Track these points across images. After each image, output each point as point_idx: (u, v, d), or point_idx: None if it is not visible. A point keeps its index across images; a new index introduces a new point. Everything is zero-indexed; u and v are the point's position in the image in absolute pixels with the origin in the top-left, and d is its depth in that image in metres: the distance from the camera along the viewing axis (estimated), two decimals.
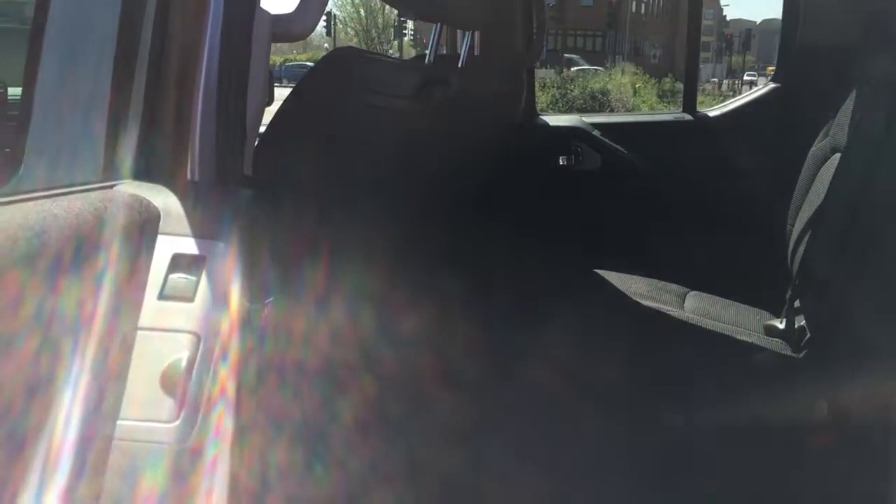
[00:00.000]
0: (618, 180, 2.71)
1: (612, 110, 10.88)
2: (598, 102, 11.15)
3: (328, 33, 37.31)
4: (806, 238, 1.91)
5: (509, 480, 1.68)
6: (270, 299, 0.97)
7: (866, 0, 2.17)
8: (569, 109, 10.72)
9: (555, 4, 29.33)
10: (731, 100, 2.87)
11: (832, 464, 1.41)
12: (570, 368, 1.90)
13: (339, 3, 37.53)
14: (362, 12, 42.29)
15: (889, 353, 0.95)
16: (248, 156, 1.11)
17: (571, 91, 11.53)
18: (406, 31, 30.74)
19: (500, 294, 2.10)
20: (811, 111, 2.18)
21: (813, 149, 2.11)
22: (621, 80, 12.34)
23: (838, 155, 1.86)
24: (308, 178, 1.22)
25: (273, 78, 2.79)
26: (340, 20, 37.25)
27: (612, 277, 2.30)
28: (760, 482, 1.49)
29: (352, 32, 41.45)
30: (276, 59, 25.19)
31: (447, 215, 1.79)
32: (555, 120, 2.82)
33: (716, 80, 35.36)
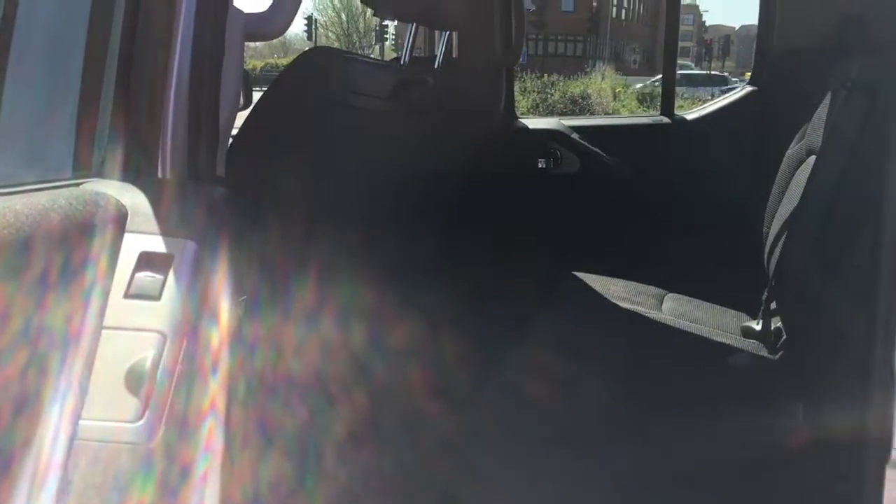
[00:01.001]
0: (596, 183, 2.72)
1: (591, 114, 10.96)
2: (578, 107, 11.20)
3: (309, 37, 37.23)
4: (782, 240, 1.91)
5: (489, 486, 1.67)
6: (243, 298, 0.96)
7: (841, 4, 2.19)
8: (549, 113, 10.78)
9: (536, 10, 29.43)
10: (709, 103, 2.88)
11: (806, 466, 1.41)
12: (548, 371, 1.90)
13: (321, 7, 37.47)
14: (343, 16, 42.25)
15: (862, 356, 0.95)
16: (222, 156, 1.10)
17: (552, 95, 11.57)
18: (388, 36, 30.74)
19: (478, 296, 2.10)
20: (787, 114, 2.19)
21: (789, 151, 2.13)
22: (601, 84, 12.41)
23: (814, 157, 1.88)
24: (282, 178, 1.21)
25: (251, 81, 2.77)
26: (322, 24, 37.20)
27: (591, 280, 2.31)
28: (737, 485, 1.49)
29: (333, 36, 41.38)
30: (256, 63, 25.12)
31: (425, 216, 1.78)
32: (534, 123, 2.83)
33: None
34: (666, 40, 2.79)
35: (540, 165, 2.71)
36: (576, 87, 12.01)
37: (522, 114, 10.54)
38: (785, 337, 1.83)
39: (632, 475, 1.65)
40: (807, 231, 1.72)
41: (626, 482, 1.61)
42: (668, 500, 1.53)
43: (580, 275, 2.34)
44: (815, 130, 1.94)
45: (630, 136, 2.82)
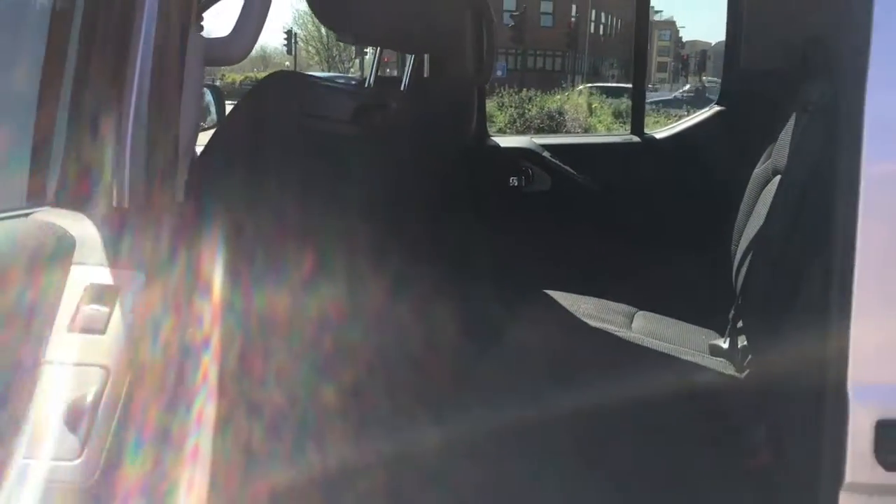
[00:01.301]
0: (567, 201, 2.73)
1: (568, 130, 11.02)
2: (555, 122, 11.27)
3: (289, 51, 37.18)
4: (748, 258, 1.93)
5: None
6: (191, 330, 0.94)
7: (805, 26, 2.23)
8: (526, 128, 10.84)
9: (514, 25, 29.63)
10: (678, 122, 2.91)
11: (765, 488, 1.42)
12: (516, 389, 1.90)
13: (301, 21, 37.46)
14: (323, 30, 42.18)
15: (816, 379, 0.97)
16: (181, 182, 1.09)
17: (529, 111, 11.64)
18: (367, 51, 30.80)
19: (448, 314, 2.09)
20: (754, 133, 2.22)
21: (756, 170, 2.15)
22: (578, 100, 12.50)
23: (779, 177, 1.90)
24: (243, 202, 1.20)
25: (224, 97, 2.76)
26: (302, 38, 37.18)
27: (561, 298, 2.31)
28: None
29: (313, 51, 41.35)
30: (235, 77, 25.02)
31: (394, 237, 1.78)
32: (505, 141, 2.84)
33: None
34: (635, 62, 2.82)
35: (511, 183, 2.72)
36: (553, 103, 12.08)
37: (500, 129, 10.61)
38: (751, 356, 1.85)
39: (598, 493, 1.66)
40: (770, 250, 1.74)
41: (589, 499, 1.61)
42: None
43: (550, 293, 2.35)
44: (780, 150, 1.96)
45: (600, 154, 2.85)
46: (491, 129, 3.02)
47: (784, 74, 2.24)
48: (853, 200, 0.91)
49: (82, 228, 0.91)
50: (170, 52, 1.03)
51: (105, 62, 0.99)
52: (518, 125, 10.92)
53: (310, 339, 1.39)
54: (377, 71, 1.83)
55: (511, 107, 11.71)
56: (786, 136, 1.94)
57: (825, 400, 0.96)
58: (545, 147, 2.77)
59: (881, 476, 0.92)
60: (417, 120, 1.90)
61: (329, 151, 1.46)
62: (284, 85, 1.49)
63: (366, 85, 1.81)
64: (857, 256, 0.91)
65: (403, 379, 1.84)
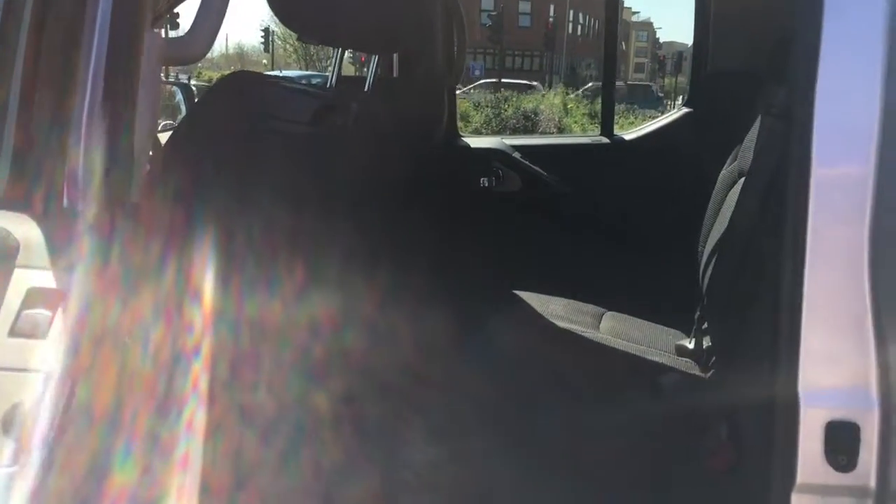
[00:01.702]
0: (537, 201, 2.74)
1: (543, 130, 11.06)
2: (531, 122, 11.31)
3: (266, 49, 36.91)
4: (713, 260, 1.95)
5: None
6: (127, 339, 0.92)
7: (770, 31, 2.24)
8: (502, 128, 10.86)
9: (492, 25, 29.64)
10: (646, 123, 2.93)
11: (724, 488, 1.43)
12: (484, 390, 1.90)
13: (277, 19, 37.13)
14: None
15: (771, 378, 0.97)
16: (137, 182, 1.08)
17: (505, 111, 11.67)
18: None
19: (416, 314, 2.09)
20: (722, 135, 2.23)
21: (723, 172, 2.17)
22: (553, 100, 12.55)
23: (744, 179, 1.91)
24: (201, 205, 1.19)
25: (194, 95, 2.73)
26: (279, 36, 36.91)
27: (530, 298, 2.32)
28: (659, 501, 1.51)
29: (290, 49, 41.10)
30: (212, 74, 24.82)
31: (358, 237, 1.77)
32: (476, 142, 2.84)
33: None
34: (605, 64, 2.84)
35: (482, 184, 2.72)
36: (528, 103, 12.13)
37: (476, 129, 10.62)
38: (715, 357, 1.86)
39: (561, 492, 1.66)
40: (733, 252, 1.75)
41: (555, 500, 1.61)
42: None
43: (519, 293, 2.35)
44: (746, 152, 1.98)
45: (570, 155, 2.86)
46: (467, 129, 3.02)
47: (751, 77, 2.26)
48: (804, 203, 0.92)
49: (27, 231, 0.89)
50: (124, 51, 1.02)
51: (56, 60, 0.97)
52: (494, 125, 10.94)
53: (272, 339, 1.38)
54: (339, 71, 1.82)
55: (487, 107, 11.74)
56: (751, 137, 1.96)
57: (777, 401, 0.97)
58: (515, 148, 2.78)
59: (832, 477, 0.93)
60: (383, 120, 1.89)
61: (287, 154, 1.45)
62: (240, 86, 1.47)
63: (328, 86, 1.80)
64: (807, 260, 0.92)
65: (367, 377, 1.84)
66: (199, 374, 1.03)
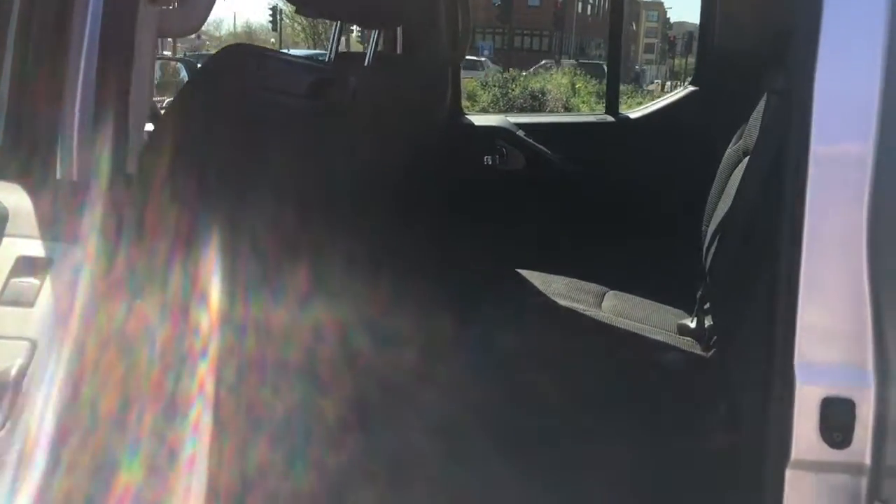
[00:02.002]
0: (541, 180, 2.73)
1: (551, 110, 10.98)
2: (538, 102, 11.25)
3: (274, 28, 36.75)
4: (717, 239, 1.94)
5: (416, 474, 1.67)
6: (138, 301, 0.93)
7: (776, 11, 2.22)
8: (509, 108, 10.79)
9: (501, 4, 29.45)
10: (652, 102, 2.91)
11: (720, 465, 1.43)
12: (485, 367, 1.90)
13: None
14: None
15: (774, 357, 0.97)
16: (133, 154, 1.07)
17: (512, 90, 11.61)
18: (353, 28, 30.45)
19: (418, 292, 2.09)
20: (728, 114, 2.21)
21: (728, 151, 2.15)
22: (561, 80, 12.48)
23: (748, 158, 1.90)
24: (198, 178, 1.19)
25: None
26: (287, 14, 36.73)
27: (533, 277, 2.31)
28: (657, 480, 1.51)
29: (298, 27, 40.91)
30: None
31: (358, 214, 1.77)
32: (480, 119, 2.83)
33: (659, 81, 35.93)
34: (610, 42, 2.81)
35: (486, 162, 2.71)
36: (536, 83, 12.05)
37: (483, 108, 10.56)
38: (717, 336, 1.86)
39: (562, 470, 1.67)
40: (736, 231, 1.74)
41: (556, 478, 1.62)
42: (587, 497, 1.54)
43: (522, 272, 2.35)
44: (751, 131, 1.96)
45: (575, 133, 2.84)
46: (474, 109, 3.01)
47: (758, 56, 2.24)
48: (802, 182, 0.91)
49: (17, 199, 0.89)
50: (120, 21, 1.01)
51: (49, 31, 0.96)
52: (501, 104, 10.88)
53: (273, 318, 1.38)
54: (337, 46, 1.80)
55: (495, 86, 11.68)
56: (756, 117, 1.94)
57: (773, 378, 0.96)
58: (520, 126, 2.76)
59: (826, 453, 0.93)
60: (384, 96, 1.88)
61: (284, 127, 1.44)
62: (237, 58, 1.46)
63: (326, 60, 1.78)
64: (804, 238, 0.91)
65: (374, 355, 1.84)
66: (201, 337, 1.04)
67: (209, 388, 1.05)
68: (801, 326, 0.92)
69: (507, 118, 2.81)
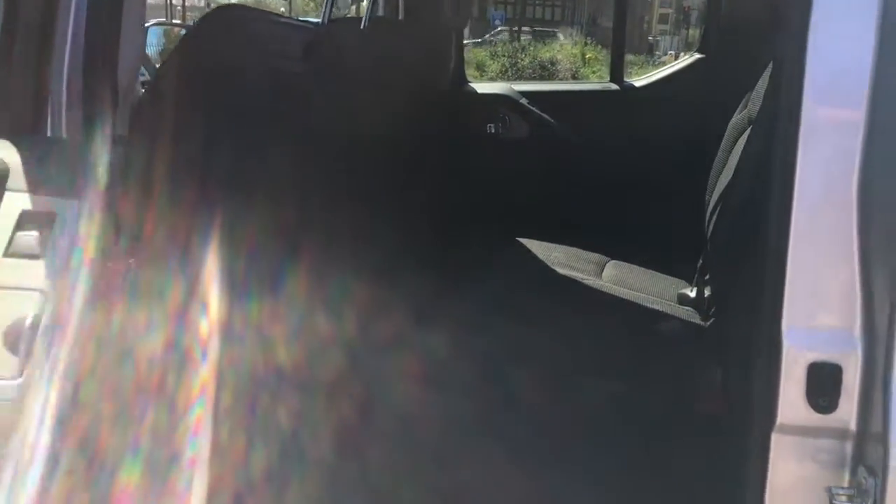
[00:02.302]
0: (545, 149, 2.71)
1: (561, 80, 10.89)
2: (547, 72, 11.13)
3: None
4: (718, 208, 1.93)
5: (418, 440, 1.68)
6: (132, 260, 0.94)
7: None
8: (518, 79, 10.66)
9: None
10: (657, 70, 2.88)
11: (712, 431, 1.43)
12: (484, 333, 1.90)
13: None
14: None
15: (763, 322, 0.96)
16: (124, 115, 1.07)
17: (522, 60, 11.47)
18: None
19: (418, 259, 2.09)
20: (734, 82, 2.19)
21: (733, 120, 2.13)
22: (572, 50, 12.33)
23: (752, 126, 1.88)
24: (190, 140, 1.18)
25: None
26: None
27: (533, 246, 2.31)
28: (652, 447, 1.51)
29: None
30: None
31: (356, 181, 1.76)
32: (483, 87, 2.80)
33: (673, 52, 35.51)
34: (616, 9, 2.77)
35: (488, 130, 2.69)
36: (546, 53, 11.91)
37: (491, 78, 10.44)
38: (715, 304, 1.85)
39: (560, 435, 1.67)
40: (735, 199, 1.73)
41: (541, 439, 1.62)
42: (585, 461, 1.55)
43: (523, 240, 2.34)
44: (756, 100, 1.94)
45: (578, 101, 2.81)
46: (483, 79, 2.97)
47: (765, 23, 2.20)
48: (793, 146, 0.90)
49: (15, 156, 0.91)
50: None
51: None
52: (510, 74, 10.76)
53: (266, 277, 1.38)
54: (331, 9, 1.79)
55: (504, 56, 11.55)
56: (762, 85, 1.92)
57: (761, 343, 0.96)
58: (523, 94, 2.73)
59: (812, 418, 0.93)
60: (380, 59, 1.86)
61: (278, 88, 1.43)
62: (228, 20, 1.45)
63: (321, 22, 1.77)
64: (794, 201, 0.90)
65: (372, 316, 1.84)
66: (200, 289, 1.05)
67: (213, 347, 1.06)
68: (789, 291, 0.91)
69: (511, 86, 2.78)
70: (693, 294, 2.02)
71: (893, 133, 0.84)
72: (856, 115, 0.89)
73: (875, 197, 0.88)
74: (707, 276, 1.96)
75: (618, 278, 2.17)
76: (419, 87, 2.28)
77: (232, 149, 1.26)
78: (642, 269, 2.29)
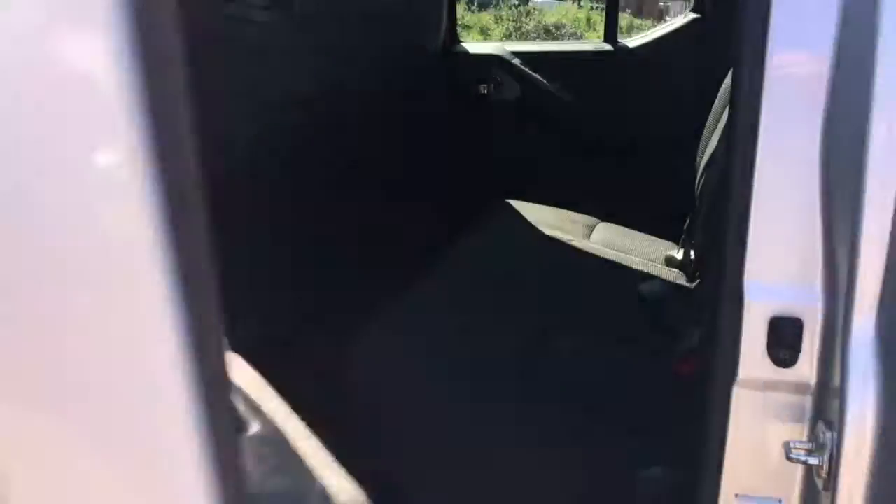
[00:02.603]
0: (537, 110, 2.68)
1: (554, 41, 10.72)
2: (552, 36, 10.99)
3: None
4: (706, 171, 1.91)
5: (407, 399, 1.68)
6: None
7: None
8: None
9: None
10: (651, 30, 2.84)
11: (687, 389, 1.43)
12: (469, 292, 1.91)
13: None
14: None
15: (726, 276, 0.96)
16: None
17: (527, 24, 11.33)
18: None
19: (406, 220, 2.08)
20: (729, 42, 2.15)
21: (726, 81, 2.10)
22: (577, 13, 12.15)
23: None
24: (159, 98, 1.16)
25: None
26: None
27: (523, 207, 2.30)
28: (629, 406, 1.51)
29: None
30: None
31: (334, 139, 1.74)
32: (476, 48, 2.77)
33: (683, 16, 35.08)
34: None
35: (480, 91, 2.67)
36: (551, 17, 11.75)
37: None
38: (700, 266, 1.85)
39: (540, 393, 1.67)
40: (719, 162, 1.71)
41: (533, 402, 1.62)
42: (561, 423, 1.55)
43: (514, 202, 2.33)
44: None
45: (572, 62, 2.78)
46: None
47: None
48: (756, 96, 0.89)
49: None
50: None
51: None
52: (514, 38, 10.63)
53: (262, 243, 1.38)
54: None
55: (508, 20, 11.40)
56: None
57: (724, 297, 0.95)
58: (516, 54, 2.70)
59: (772, 372, 0.92)
60: (358, 13, 1.82)
61: (246, 38, 1.40)
62: None
63: None
64: (757, 153, 0.89)
65: (364, 274, 1.83)
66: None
67: None
68: (751, 244, 0.91)
69: (505, 46, 2.75)
70: (680, 256, 2.01)
71: (858, 86, 0.82)
72: (820, 63, 0.87)
73: (837, 149, 0.87)
74: (694, 239, 1.96)
75: (607, 240, 2.16)
76: (403, 43, 2.24)
77: (202, 102, 1.24)
78: (633, 231, 2.28)
